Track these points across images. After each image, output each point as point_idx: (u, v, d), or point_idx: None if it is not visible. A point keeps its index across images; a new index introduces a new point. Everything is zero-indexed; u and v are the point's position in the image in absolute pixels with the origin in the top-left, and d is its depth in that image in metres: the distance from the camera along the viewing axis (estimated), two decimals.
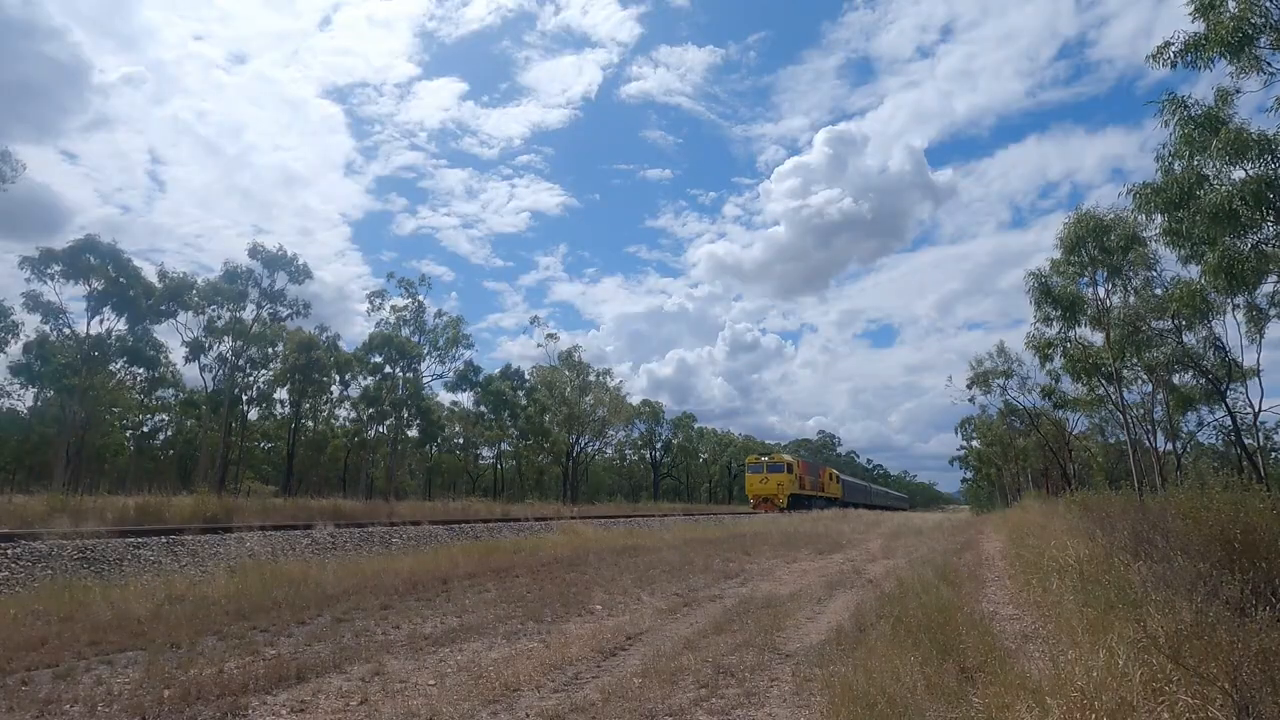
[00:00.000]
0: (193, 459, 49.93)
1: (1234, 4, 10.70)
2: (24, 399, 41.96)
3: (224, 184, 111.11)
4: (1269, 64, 10.92)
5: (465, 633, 6.52)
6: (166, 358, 42.06)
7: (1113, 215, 19.97)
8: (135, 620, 6.47)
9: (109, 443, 47.90)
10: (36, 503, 14.38)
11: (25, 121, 62.90)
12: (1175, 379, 27.27)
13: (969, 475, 69.36)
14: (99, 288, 35.34)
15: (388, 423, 46.33)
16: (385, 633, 6.50)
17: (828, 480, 53.62)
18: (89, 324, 36.13)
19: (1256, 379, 23.00)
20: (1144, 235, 18.98)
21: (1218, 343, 23.37)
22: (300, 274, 42.90)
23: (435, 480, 63.17)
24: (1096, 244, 20.29)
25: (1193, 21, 11.18)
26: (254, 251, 41.80)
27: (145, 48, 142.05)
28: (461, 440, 58.43)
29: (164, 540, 9.45)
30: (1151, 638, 4.05)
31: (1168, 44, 11.49)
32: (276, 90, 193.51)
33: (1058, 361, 26.68)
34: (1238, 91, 11.39)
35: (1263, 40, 10.61)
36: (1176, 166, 12.31)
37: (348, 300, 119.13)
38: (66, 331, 36.12)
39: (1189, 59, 11.24)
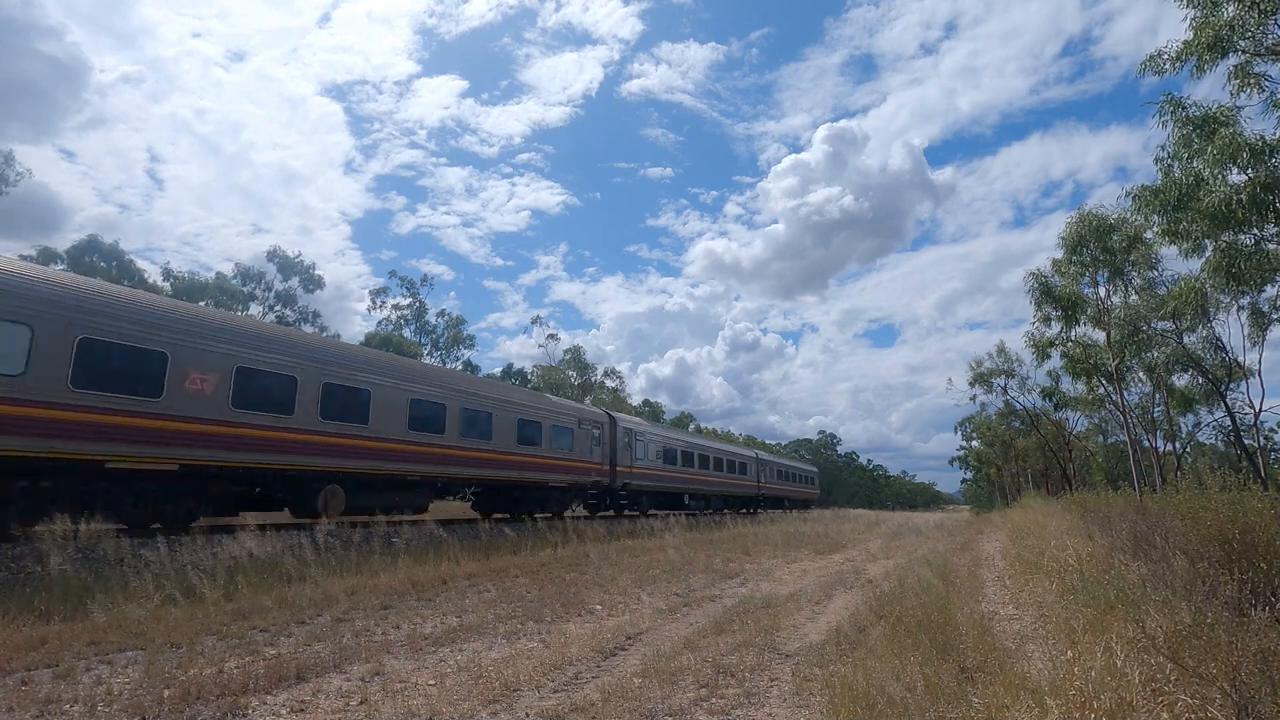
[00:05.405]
0: None
1: (1232, 6, 10.77)
2: None
3: (223, 182, 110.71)
4: (1268, 77, 11.00)
5: (465, 632, 6.53)
6: None
7: (1117, 215, 20.00)
8: (135, 620, 6.48)
9: None
10: None
11: (23, 120, 62.71)
12: (1175, 379, 27.33)
13: (969, 475, 69.33)
14: None
15: None
16: (385, 633, 6.50)
17: None
18: None
19: (1257, 379, 23.05)
20: (1147, 236, 19.02)
21: (1218, 343, 23.43)
22: (313, 283, 43.48)
23: None
24: (1099, 244, 20.33)
25: (1187, 30, 11.30)
26: (271, 255, 42.42)
27: (144, 45, 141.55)
28: None
29: (164, 539, 9.44)
30: (1150, 638, 4.06)
31: (1160, 53, 11.63)
32: (275, 88, 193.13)
33: (1056, 360, 26.77)
34: (1238, 109, 11.45)
35: (1242, 44, 10.74)
36: (1175, 169, 12.34)
37: (346, 299, 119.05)
38: None
39: (1181, 64, 11.37)
